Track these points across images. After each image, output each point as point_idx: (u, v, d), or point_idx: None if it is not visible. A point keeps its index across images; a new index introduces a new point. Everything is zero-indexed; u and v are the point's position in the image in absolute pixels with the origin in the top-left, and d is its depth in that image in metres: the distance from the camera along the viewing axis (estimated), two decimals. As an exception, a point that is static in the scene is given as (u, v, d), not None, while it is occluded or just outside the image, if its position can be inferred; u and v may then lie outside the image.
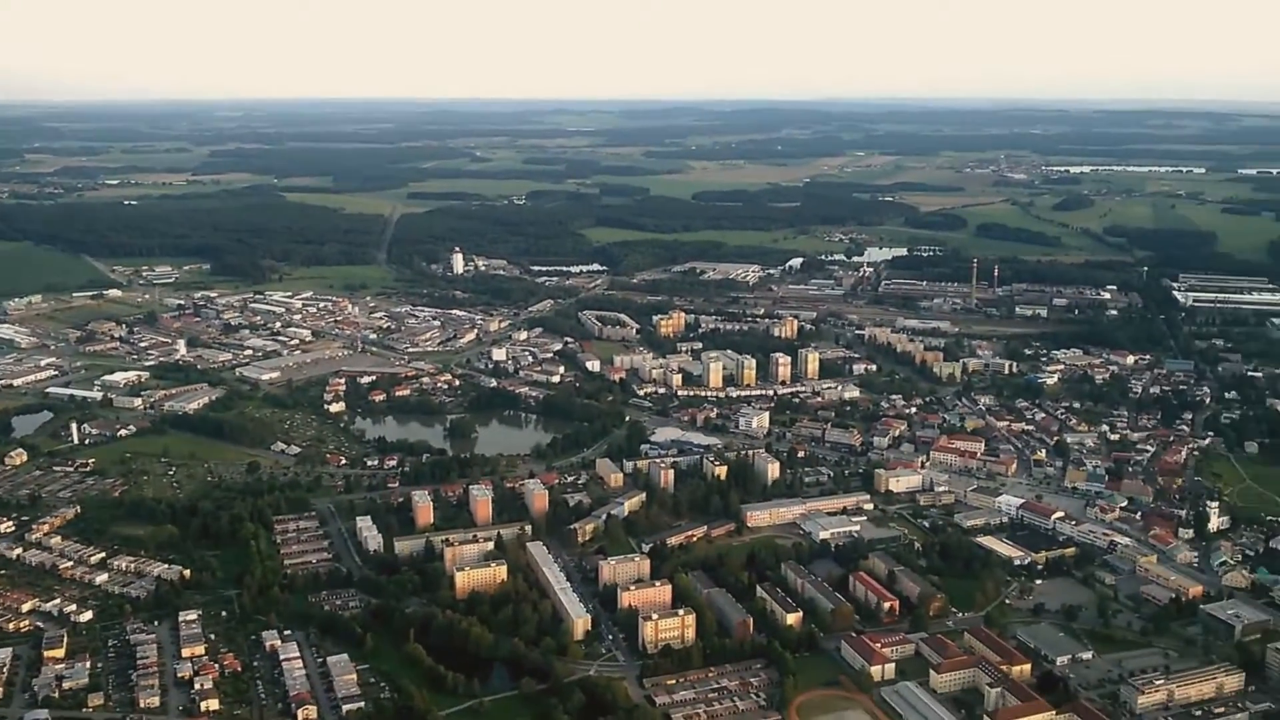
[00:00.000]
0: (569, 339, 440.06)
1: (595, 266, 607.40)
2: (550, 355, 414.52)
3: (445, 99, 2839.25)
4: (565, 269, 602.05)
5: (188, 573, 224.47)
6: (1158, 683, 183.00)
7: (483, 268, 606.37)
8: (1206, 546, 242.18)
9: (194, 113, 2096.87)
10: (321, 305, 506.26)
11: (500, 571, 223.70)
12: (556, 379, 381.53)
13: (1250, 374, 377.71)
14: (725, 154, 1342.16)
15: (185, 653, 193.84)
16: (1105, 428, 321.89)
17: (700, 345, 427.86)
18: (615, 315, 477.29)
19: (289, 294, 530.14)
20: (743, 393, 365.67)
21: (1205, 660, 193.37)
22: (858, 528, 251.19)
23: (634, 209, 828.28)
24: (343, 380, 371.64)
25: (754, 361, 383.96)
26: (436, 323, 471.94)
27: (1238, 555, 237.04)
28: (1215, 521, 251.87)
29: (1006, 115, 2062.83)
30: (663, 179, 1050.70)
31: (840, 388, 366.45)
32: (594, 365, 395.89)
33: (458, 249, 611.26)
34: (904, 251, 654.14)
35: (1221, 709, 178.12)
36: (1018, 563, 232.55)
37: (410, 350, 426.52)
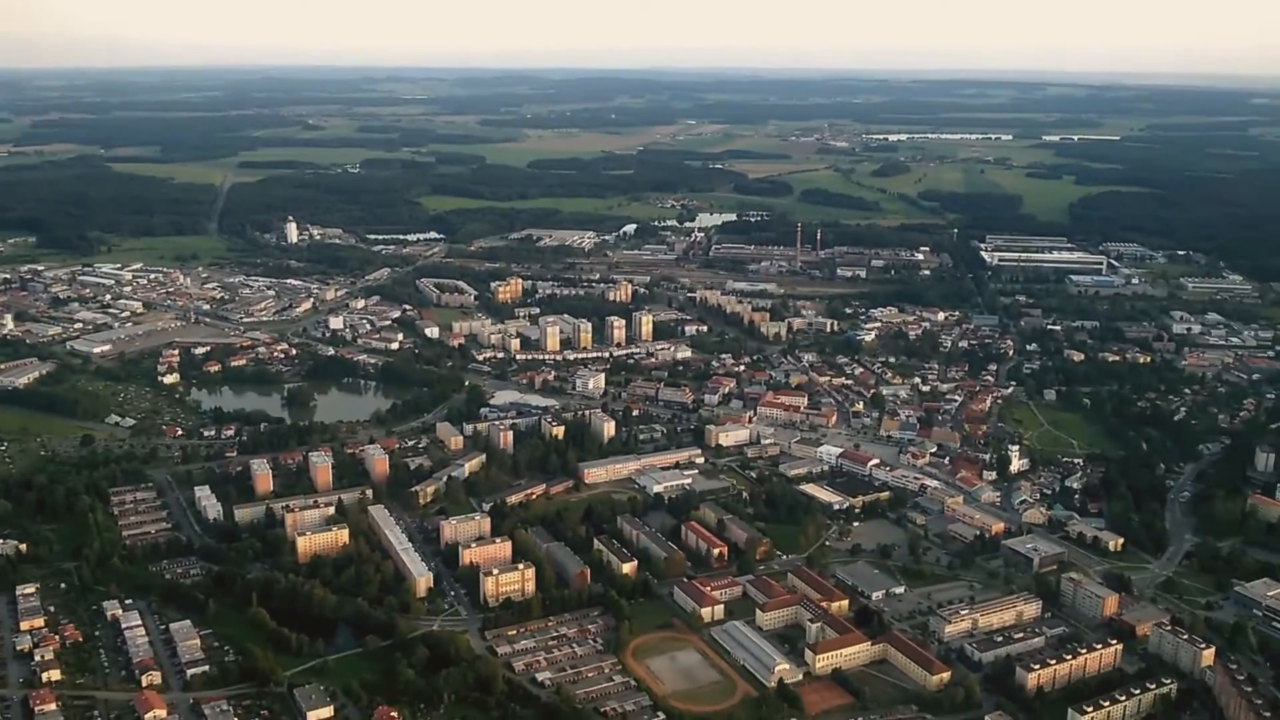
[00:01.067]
0: (407, 307, 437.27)
1: (432, 235, 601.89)
2: (389, 323, 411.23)
3: (274, 65, 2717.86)
4: (402, 237, 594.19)
5: (24, 547, 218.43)
6: (963, 613, 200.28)
7: (317, 237, 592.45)
8: (1008, 487, 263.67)
9: (11, 82, 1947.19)
10: (153, 277, 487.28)
11: (342, 535, 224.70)
12: (395, 346, 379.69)
13: (1050, 327, 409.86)
14: (560, 122, 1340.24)
15: (24, 625, 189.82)
16: (917, 380, 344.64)
17: (537, 310, 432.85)
18: (453, 282, 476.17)
19: (118, 266, 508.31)
20: (579, 355, 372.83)
21: (1006, 591, 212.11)
22: (689, 480, 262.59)
23: (470, 177, 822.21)
24: (176, 352, 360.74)
25: (590, 325, 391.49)
26: (271, 292, 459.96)
27: (1036, 494, 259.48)
28: (1016, 464, 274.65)
29: (830, 85, 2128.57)
30: (498, 147, 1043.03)
31: (673, 348, 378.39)
32: (433, 332, 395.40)
33: (291, 218, 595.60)
34: (733, 217, 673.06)
35: (1021, 634, 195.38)
36: (837, 507, 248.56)
37: (245, 320, 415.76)
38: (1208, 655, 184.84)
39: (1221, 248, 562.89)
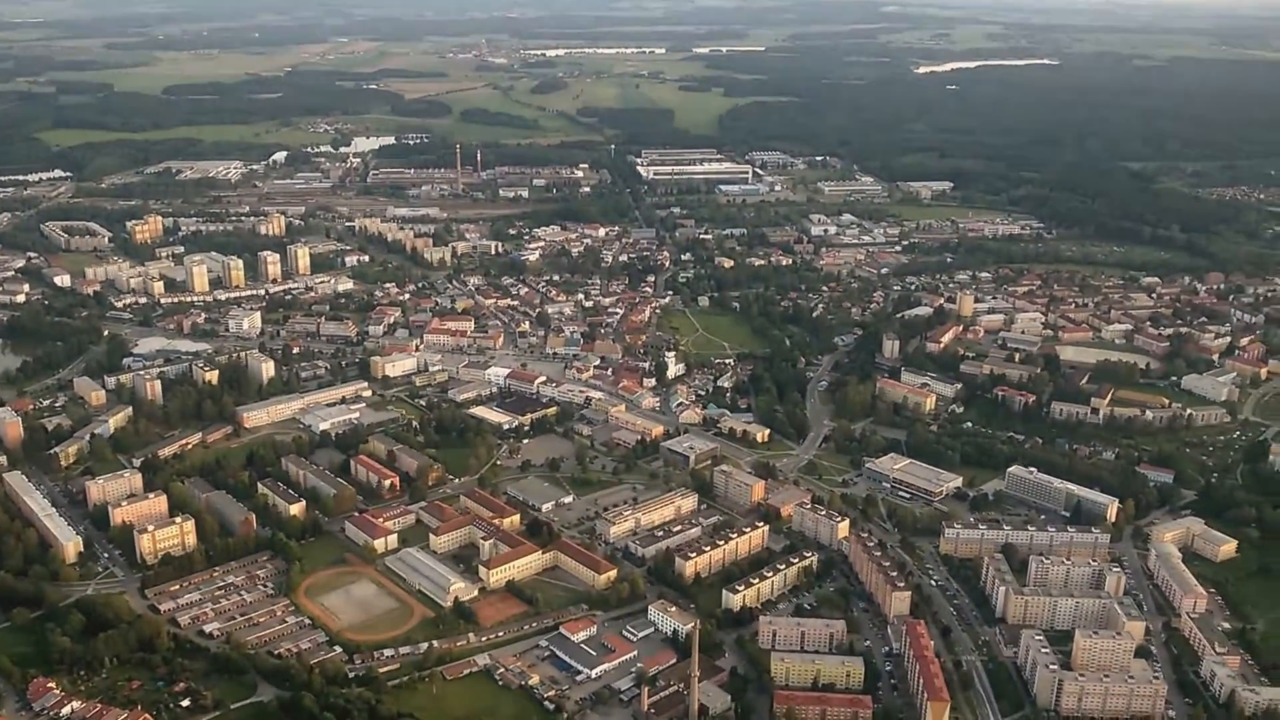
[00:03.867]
0: (32, 254, 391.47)
1: (57, 173, 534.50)
2: (11, 274, 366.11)
3: None
4: (21, 178, 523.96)
5: None
6: (626, 513, 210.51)
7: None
8: (667, 391, 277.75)
9: None
10: None
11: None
12: (21, 299, 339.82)
13: (702, 236, 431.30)
14: (197, 43, 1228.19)
15: None
16: (581, 296, 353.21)
17: (181, 250, 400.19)
18: (83, 224, 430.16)
19: None
20: (231, 295, 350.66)
21: (666, 489, 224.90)
22: (357, 414, 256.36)
23: (97, 107, 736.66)
24: None
25: (241, 262, 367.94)
26: None
27: (692, 396, 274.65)
28: (673, 369, 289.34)
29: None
30: (128, 73, 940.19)
31: (333, 281, 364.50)
32: (63, 280, 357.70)
33: None
34: (391, 140, 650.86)
35: (679, 527, 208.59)
36: (507, 427, 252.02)
37: None
38: (843, 528, 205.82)
39: (854, 152, 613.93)
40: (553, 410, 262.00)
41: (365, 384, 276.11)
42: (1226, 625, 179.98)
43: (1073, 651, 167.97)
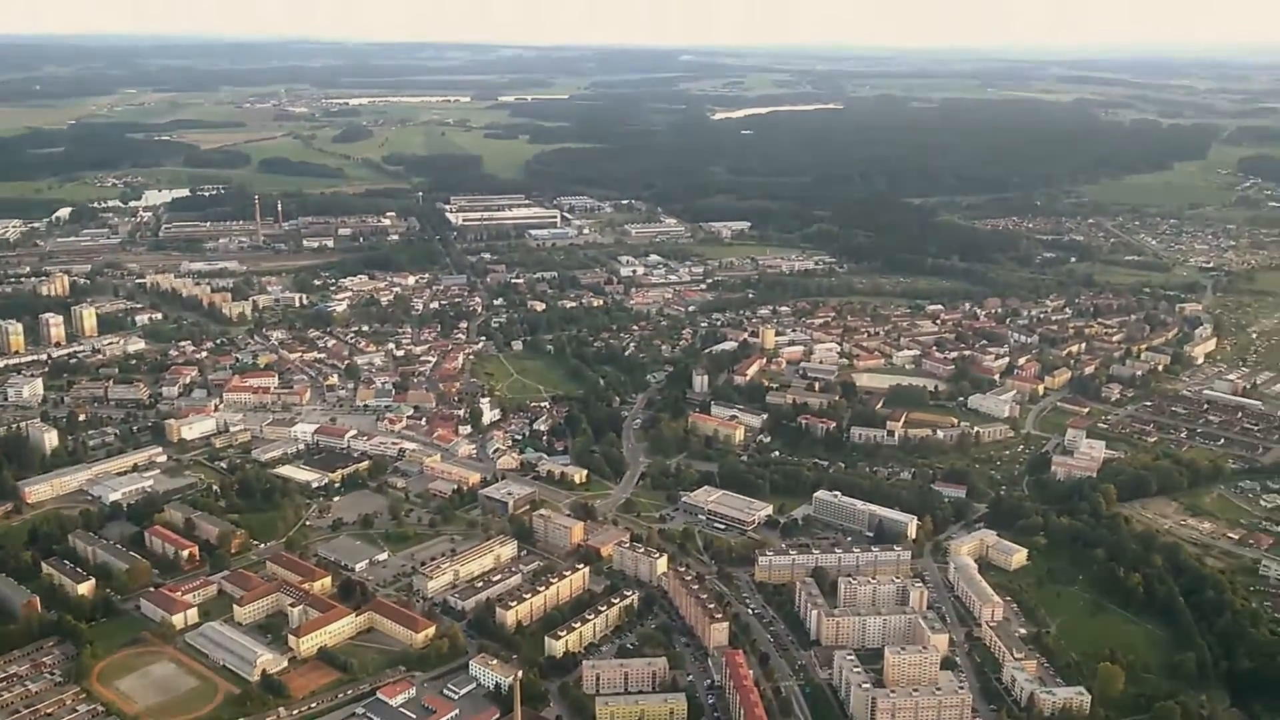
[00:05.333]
0: None
1: None
2: None
3: None
4: None
5: None
6: (444, 566, 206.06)
7: None
8: (483, 438, 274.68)
9: None
10: None
11: None
12: None
13: (513, 281, 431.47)
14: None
15: None
16: (392, 345, 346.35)
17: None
18: None
19: None
20: (11, 361, 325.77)
21: (485, 538, 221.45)
22: (150, 482, 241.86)
23: None
24: None
25: (20, 326, 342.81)
26: None
27: (508, 441, 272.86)
28: (489, 415, 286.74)
29: (285, 49, 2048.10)
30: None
31: (123, 341, 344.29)
32: None
33: None
34: (186, 192, 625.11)
35: (499, 576, 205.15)
36: (316, 485, 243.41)
37: None
38: (662, 563, 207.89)
39: (658, 195, 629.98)
40: (365, 464, 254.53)
41: (160, 449, 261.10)
42: (1023, 631, 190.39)
43: (884, 669, 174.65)
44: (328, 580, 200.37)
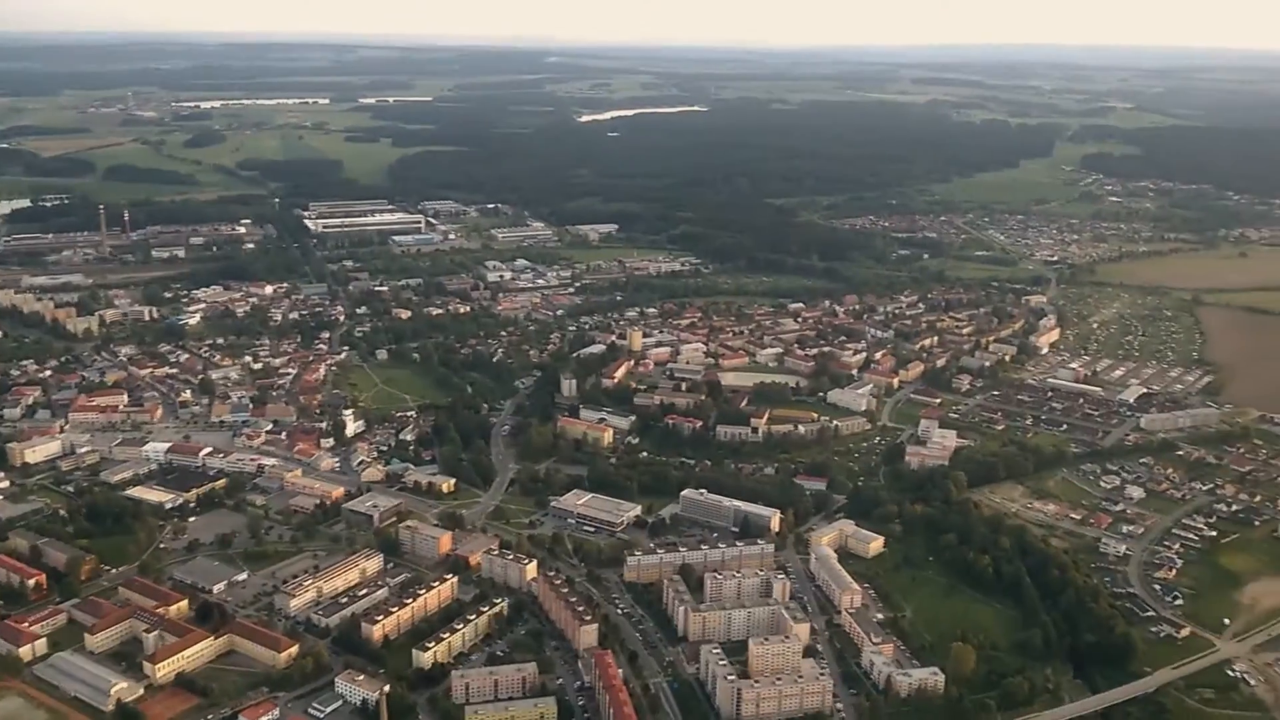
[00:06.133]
0: None
1: None
2: None
3: None
4: None
5: None
6: (306, 583, 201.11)
7: None
8: (347, 451, 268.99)
9: None
10: None
11: None
12: None
13: (377, 289, 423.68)
14: None
15: None
16: (249, 358, 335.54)
17: None
18: None
19: None
20: None
21: (350, 552, 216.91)
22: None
23: None
24: None
25: None
26: None
27: (374, 453, 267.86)
28: (352, 427, 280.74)
29: (131, 50, 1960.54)
30: None
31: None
32: None
33: None
34: (26, 203, 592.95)
35: (365, 590, 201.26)
36: (170, 505, 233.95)
37: None
38: (531, 569, 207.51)
39: (525, 198, 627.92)
40: (221, 482, 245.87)
41: (1, 474, 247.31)
42: (880, 616, 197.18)
43: (748, 660, 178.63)
44: (184, 604, 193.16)
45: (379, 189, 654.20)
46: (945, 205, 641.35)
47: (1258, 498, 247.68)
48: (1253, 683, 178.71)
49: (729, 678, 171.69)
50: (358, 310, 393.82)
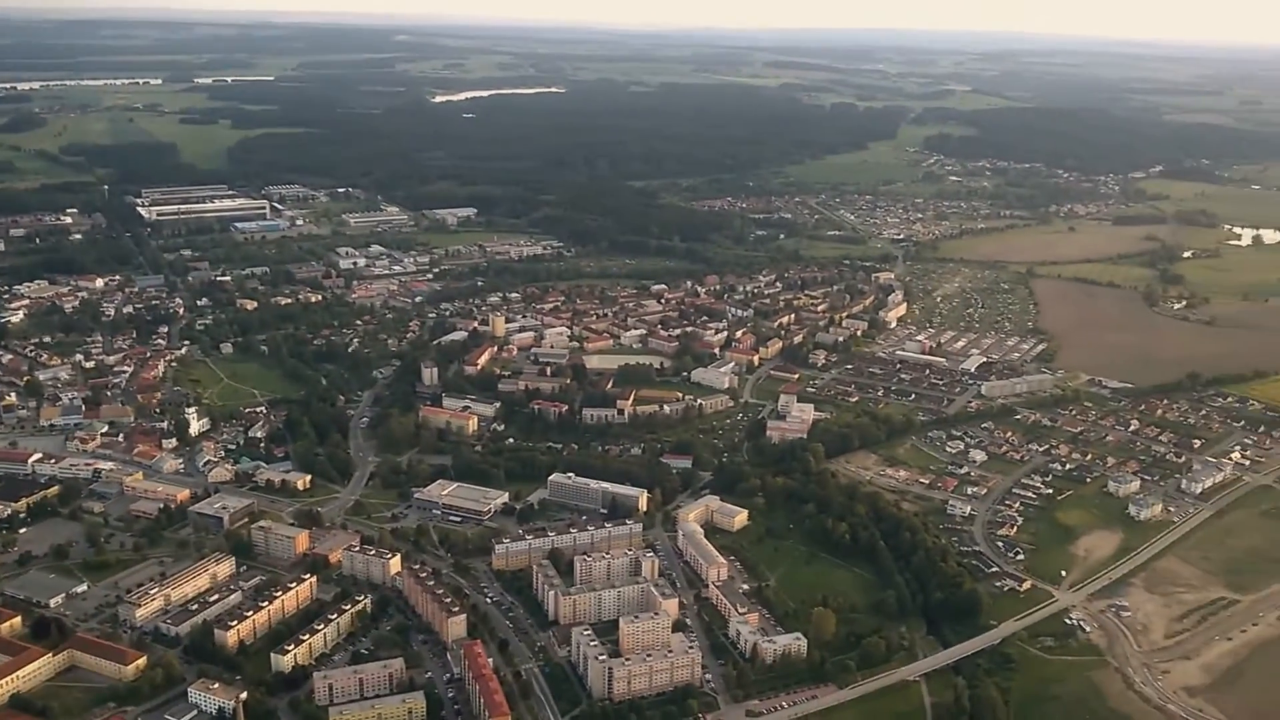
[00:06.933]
0: None
1: None
2: None
3: None
4: None
5: None
6: (153, 591, 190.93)
7: None
8: (191, 451, 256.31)
9: None
10: None
11: None
12: None
13: (220, 279, 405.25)
14: None
15: None
16: (80, 357, 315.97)
17: None
18: None
19: None
20: None
21: (199, 556, 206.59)
22: None
23: None
24: None
25: None
26: None
27: (221, 452, 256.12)
28: (197, 426, 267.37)
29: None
30: None
31: None
32: None
33: None
34: None
35: (217, 596, 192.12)
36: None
37: None
38: (395, 563, 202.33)
39: (378, 182, 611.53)
40: (54, 490, 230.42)
41: None
42: (746, 587, 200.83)
43: (619, 639, 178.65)
44: (17, 620, 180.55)
45: (219, 173, 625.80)
46: (799, 186, 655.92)
47: (1089, 456, 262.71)
48: (1088, 629, 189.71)
49: (599, 658, 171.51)
50: (199, 302, 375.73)
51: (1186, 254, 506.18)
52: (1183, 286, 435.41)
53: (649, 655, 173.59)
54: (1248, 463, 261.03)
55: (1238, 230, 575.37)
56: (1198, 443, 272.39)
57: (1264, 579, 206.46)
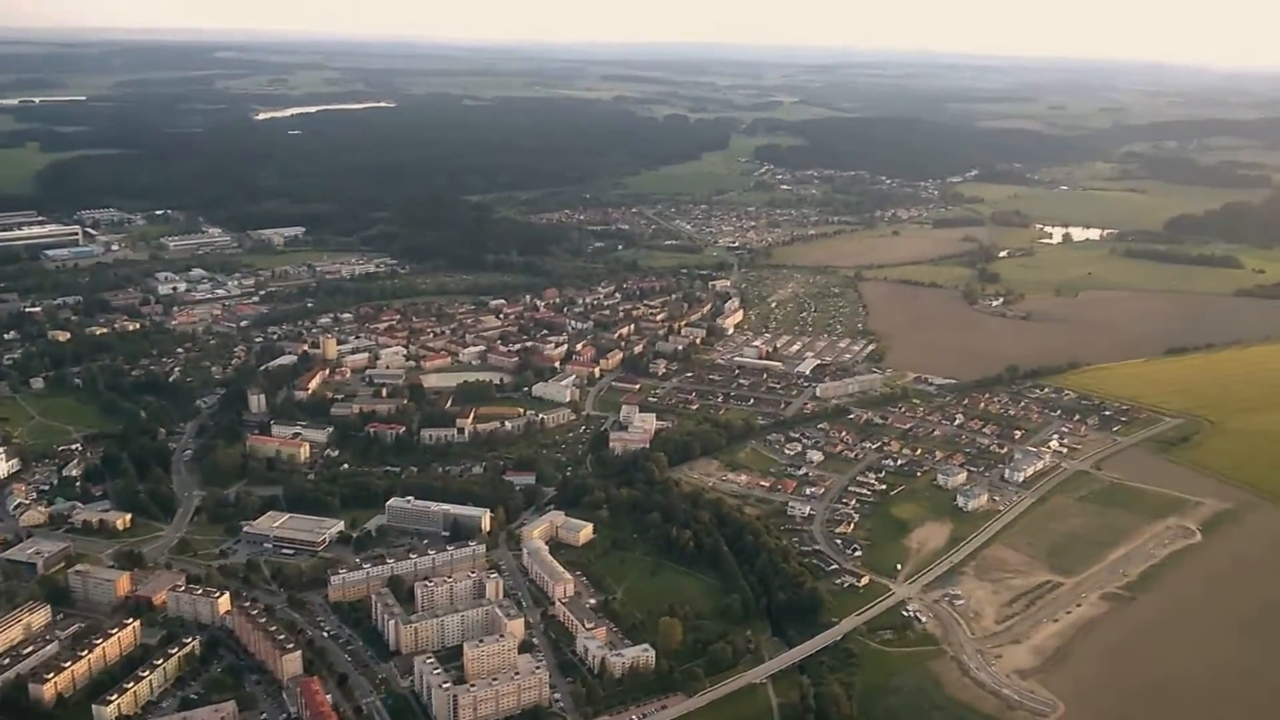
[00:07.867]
0: None
1: None
2: None
3: None
4: None
5: None
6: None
7: None
8: (0, 494, 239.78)
9: None
10: None
11: None
12: None
13: (28, 310, 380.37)
14: None
15: None
16: None
17: None
18: None
19: None
20: None
21: (10, 607, 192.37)
22: None
23: None
24: None
25: None
26: None
27: (33, 493, 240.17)
28: (5, 467, 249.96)
29: None
30: None
31: None
32: None
33: None
34: None
35: (31, 647, 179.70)
36: None
37: None
38: (224, 602, 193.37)
39: (200, 203, 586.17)
40: None
41: None
42: (593, 601, 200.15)
43: (464, 664, 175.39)
44: None
45: (27, 199, 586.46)
46: (635, 197, 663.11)
47: (918, 451, 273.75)
48: (924, 620, 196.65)
49: (443, 685, 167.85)
50: (6, 335, 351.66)
51: (1002, 253, 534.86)
52: (1000, 284, 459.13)
53: (495, 679, 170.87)
54: (1065, 450, 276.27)
55: (1049, 229, 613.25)
56: (1019, 433, 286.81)
57: (1084, 561, 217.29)
